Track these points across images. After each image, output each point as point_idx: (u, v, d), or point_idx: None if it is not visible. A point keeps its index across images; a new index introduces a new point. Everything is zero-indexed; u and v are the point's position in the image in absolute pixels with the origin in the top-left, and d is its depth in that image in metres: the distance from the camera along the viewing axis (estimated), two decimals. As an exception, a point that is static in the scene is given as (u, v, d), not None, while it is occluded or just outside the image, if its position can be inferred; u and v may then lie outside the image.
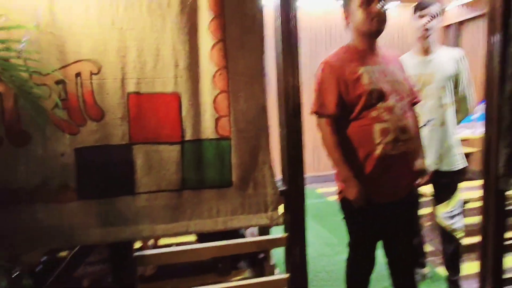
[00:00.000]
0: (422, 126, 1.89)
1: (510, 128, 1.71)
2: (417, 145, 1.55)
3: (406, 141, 1.39)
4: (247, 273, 2.22)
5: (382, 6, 1.43)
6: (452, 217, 2.07)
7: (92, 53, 1.25)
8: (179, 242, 2.18)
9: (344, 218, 1.59)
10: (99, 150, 1.29)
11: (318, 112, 1.47)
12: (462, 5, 4.80)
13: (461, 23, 4.89)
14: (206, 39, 1.36)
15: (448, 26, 5.02)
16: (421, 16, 1.97)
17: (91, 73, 1.26)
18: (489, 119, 1.80)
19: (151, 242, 2.23)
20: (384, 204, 1.46)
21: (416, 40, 2.06)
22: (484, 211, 1.88)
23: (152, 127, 1.34)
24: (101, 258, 1.81)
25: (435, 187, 2.07)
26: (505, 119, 1.71)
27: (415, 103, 1.60)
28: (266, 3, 1.44)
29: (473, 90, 2.08)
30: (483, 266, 1.91)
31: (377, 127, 1.37)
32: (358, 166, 1.43)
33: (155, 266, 2.19)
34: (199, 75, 1.37)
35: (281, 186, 1.55)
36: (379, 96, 1.38)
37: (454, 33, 4.96)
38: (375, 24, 1.43)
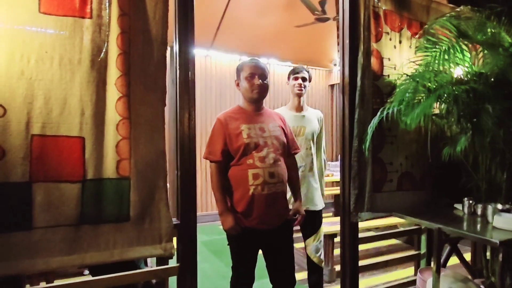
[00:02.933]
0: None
1: (357, 175, 2.26)
2: (294, 188, 1.97)
3: (275, 184, 1.77)
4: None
5: (263, 81, 1.85)
6: (319, 249, 2.50)
7: (-2, 98, 1.37)
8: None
9: (228, 244, 1.88)
10: (-3, 187, 1.37)
11: (208, 158, 1.79)
12: (344, 69, 5.88)
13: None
14: (113, 93, 1.59)
15: (333, 85, 6.01)
16: (295, 79, 2.45)
17: (-4, 116, 1.37)
18: (343, 167, 2.33)
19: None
20: (260, 231, 1.79)
21: (291, 98, 2.52)
22: (341, 240, 2.37)
23: (54, 167, 1.47)
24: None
25: (303, 224, 2.37)
26: (354, 167, 2.25)
27: (294, 154, 2.01)
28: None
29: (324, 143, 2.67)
30: (342, 285, 2.37)
31: (251, 172, 1.73)
32: (237, 202, 1.77)
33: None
34: (104, 123, 1.57)
35: (175, 220, 1.78)
36: (254, 147, 1.75)
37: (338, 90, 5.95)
38: (256, 94, 1.84)
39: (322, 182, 2.54)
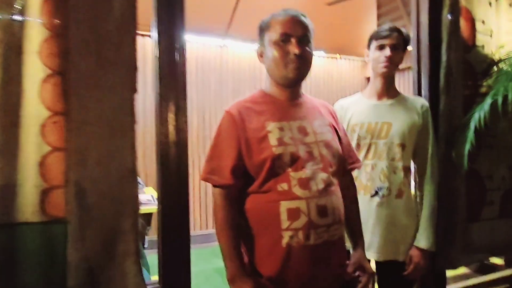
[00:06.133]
0: (372, 196, 1.37)
1: (446, 196, 1.47)
2: (353, 228, 1.17)
3: (329, 228, 0.99)
4: None
5: (305, 46, 1.05)
6: None
7: None
8: None
9: None
10: None
11: (209, 180, 1.04)
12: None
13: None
14: (35, 67, 0.89)
15: (369, 78, 5.17)
16: (380, 47, 1.40)
17: None
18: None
19: None
20: None
21: (372, 79, 1.50)
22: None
23: None
24: None
25: (381, 285, 1.46)
26: (440, 185, 1.46)
27: (351, 169, 1.21)
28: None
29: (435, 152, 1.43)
30: None
31: (285, 206, 0.97)
32: (260, 258, 1.01)
33: None
34: (17, 123, 0.87)
35: (154, 285, 1.06)
36: (291, 162, 0.99)
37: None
38: (293, 71, 1.03)
39: (430, 221, 1.38)
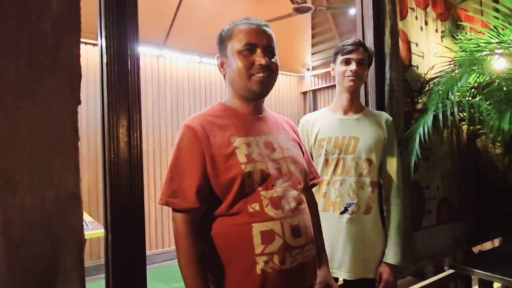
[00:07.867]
0: (341, 213, 1.34)
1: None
2: (319, 246, 1.11)
3: (303, 248, 0.93)
4: None
5: (270, 58, 0.96)
6: None
7: None
8: None
9: None
10: None
11: (170, 204, 0.92)
12: (315, 75, 5.28)
13: (316, 90, 5.32)
14: None
15: (305, 93, 5.39)
16: (346, 62, 1.39)
17: None
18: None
19: None
20: None
21: (338, 93, 1.47)
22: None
23: None
24: None
25: None
26: (387, 197, 1.52)
27: (312, 185, 1.17)
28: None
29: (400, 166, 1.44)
30: None
31: (257, 229, 0.89)
32: None
33: None
34: None
35: (103, 331, 0.90)
36: (261, 180, 0.92)
37: (311, 98, 5.34)
38: (257, 84, 0.95)
39: (398, 235, 1.38)
